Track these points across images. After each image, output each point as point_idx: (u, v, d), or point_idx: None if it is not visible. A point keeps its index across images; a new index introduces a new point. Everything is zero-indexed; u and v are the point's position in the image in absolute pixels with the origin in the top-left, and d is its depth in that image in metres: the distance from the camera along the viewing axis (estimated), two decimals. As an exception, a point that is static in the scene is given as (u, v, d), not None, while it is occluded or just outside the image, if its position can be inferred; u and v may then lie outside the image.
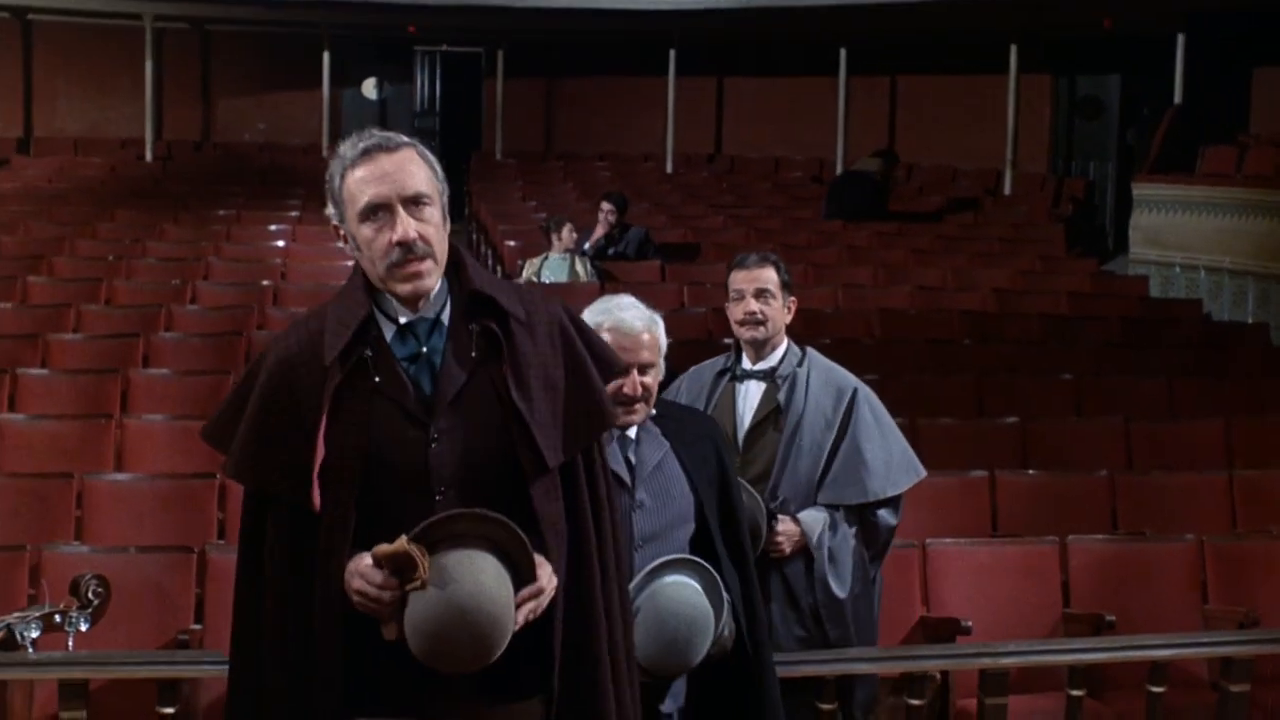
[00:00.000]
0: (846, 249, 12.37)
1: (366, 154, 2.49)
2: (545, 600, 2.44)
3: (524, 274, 10.16)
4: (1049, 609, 5.08)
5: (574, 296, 7.44)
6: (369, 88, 19.54)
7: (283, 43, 18.68)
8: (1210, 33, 13.75)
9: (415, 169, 2.49)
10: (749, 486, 3.78)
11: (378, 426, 2.45)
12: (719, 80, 19.00)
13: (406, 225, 2.45)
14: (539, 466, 2.46)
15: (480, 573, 2.35)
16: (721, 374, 4.15)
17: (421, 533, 2.35)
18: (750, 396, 4.08)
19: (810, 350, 4.16)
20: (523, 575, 2.40)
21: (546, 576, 2.44)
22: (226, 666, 2.63)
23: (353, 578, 2.38)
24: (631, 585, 3.01)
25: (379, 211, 2.47)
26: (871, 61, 17.29)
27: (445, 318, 2.52)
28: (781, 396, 4.04)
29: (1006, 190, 16.14)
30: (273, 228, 12.65)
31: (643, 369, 3.21)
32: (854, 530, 3.98)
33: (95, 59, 18.47)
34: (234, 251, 11.49)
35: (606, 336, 3.05)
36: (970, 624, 4.71)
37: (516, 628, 2.39)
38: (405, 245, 2.45)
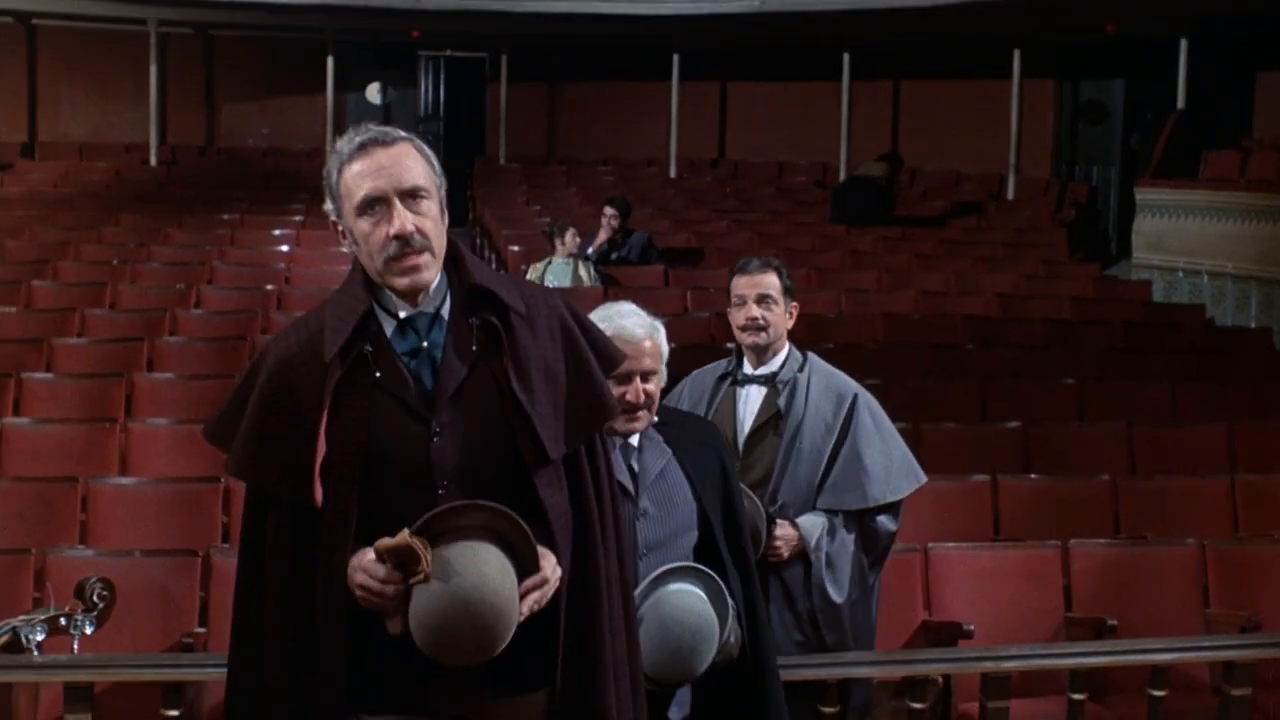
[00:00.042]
0: (850, 254, 12.38)
1: (363, 148, 2.50)
2: (550, 590, 2.45)
3: (527, 279, 10.18)
4: (1051, 613, 5.08)
5: (577, 301, 7.42)
6: (373, 92, 19.56)
7: (287, 48, 18.70)
8: (1214, 37, 13.75)
9: (412, 163, 2.50)
10: (748, 491, 3.79)
11: (379, 422, 2.45)
12: (722, 85, 19.01)
13: (404, 219, 2.46)
14: (541, 458, 2.47)
15: (483, 564, 2.35)
16: (723, 378, 4.16)
17: (423, 526, 2.36)
18: (751, 401, 4.10)
19: (811, 355, 4.17)
20: (526, 566, 2.41)
21: (550, 567, 2.44)
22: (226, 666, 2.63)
23: (355, 573, 2.39)
24: (635, 593, 3.01)
25: (376, 205, 2.47)
26: (875, 66, 17.30)
27: (445, 312, 2.52)
28: (782, 401, 4.05)
29: (1010, 195, 16.14)
30: (277, 232, 12.67)
31: (645, 376, 3.21)
32: (853, 536, 3.99)
33: (99, 64, 18.50)
34: (238, 256, 11.51)
35: (608, 343, 3.05)
36: (972, 628, 4.72)
37: (521, 618, 2.39)
38: (402, 238, 2.45)
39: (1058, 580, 5.15)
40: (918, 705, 3.94)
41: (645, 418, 3.25)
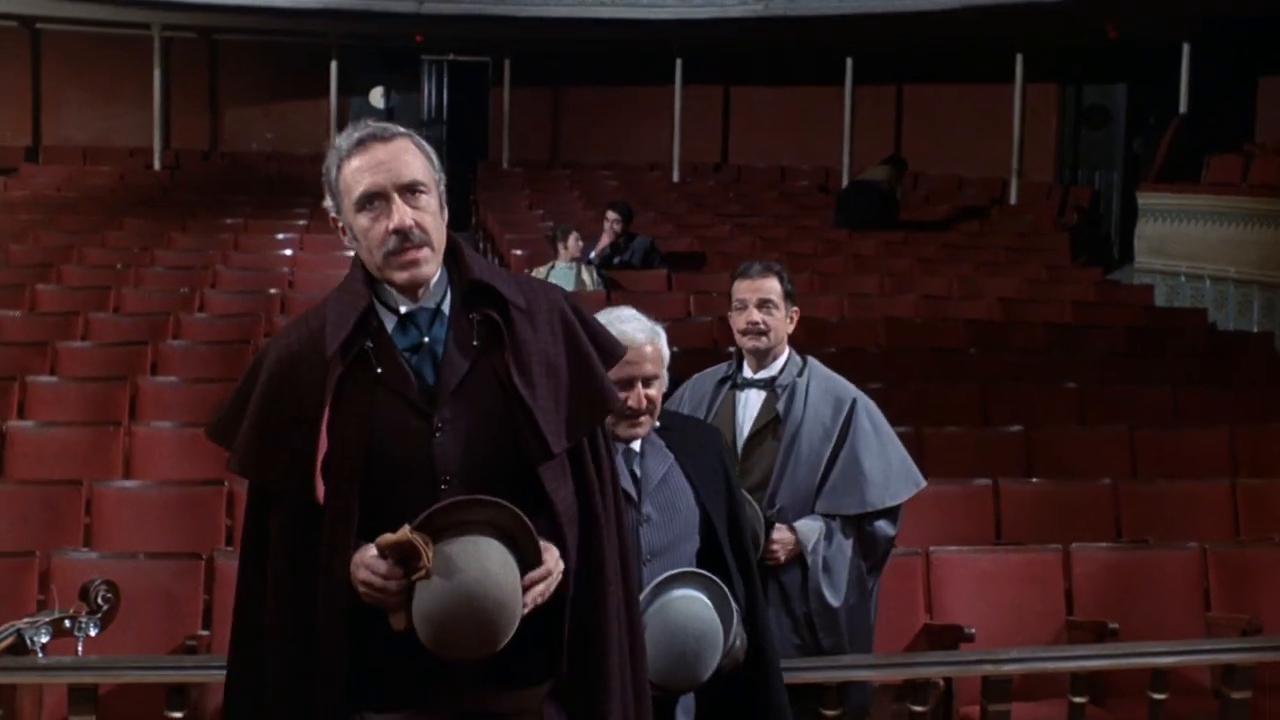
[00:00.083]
0: (852, 258, 12.39)
1: (361, 144, 2.50)
2: (553, 583, 2.45)
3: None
4: (1052, 616, 5.09)
5: (580, 305, 7.44)
6: (376, 97, 19.58)
7: (290, 52, 18.73)
8: (1216, 42, 13.76)
9: (410, 158, 2.50)
10: (746, 495, 3.80)
11: (380, 418, 2.45)
12: (725, 89, 19.03)
13: (403, 213, 2.46)
14: (544, 452, 2.47)
15: (485, 559, 2.36)
16: (723, 382, 4.17)
17: (425, 521, 2.36)
18: (750, 405, 4.11)
19: (811, 360, 4.18)
20: (528, 560, 2.41)
21: (553, 560, 2.44)
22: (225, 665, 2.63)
23: (358, 569, 2.39)
24: (639, 599, 3.01)
25: (375, 200, 2.48)
26: (878, 70, 17.31)
27: (446, 307, 2.53)
28: (780, 406, 4.06)
29: (1012, 199, 16.15)
30: (280, 236, 12.69)
31: (646, 381, 3.21)
32: (851, 541, 3.99)
33: (103, 68, 18.53)
34: (242, 260, 11.53)
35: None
36: (973, 631, 4.74)
37: (525, 612, 2.39)
38: (401, 233, 2.46)
39: (1059, 584, 5.16)
40: (919, 708, 3.95)
41: (647, 423, 3.25)
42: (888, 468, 4.03)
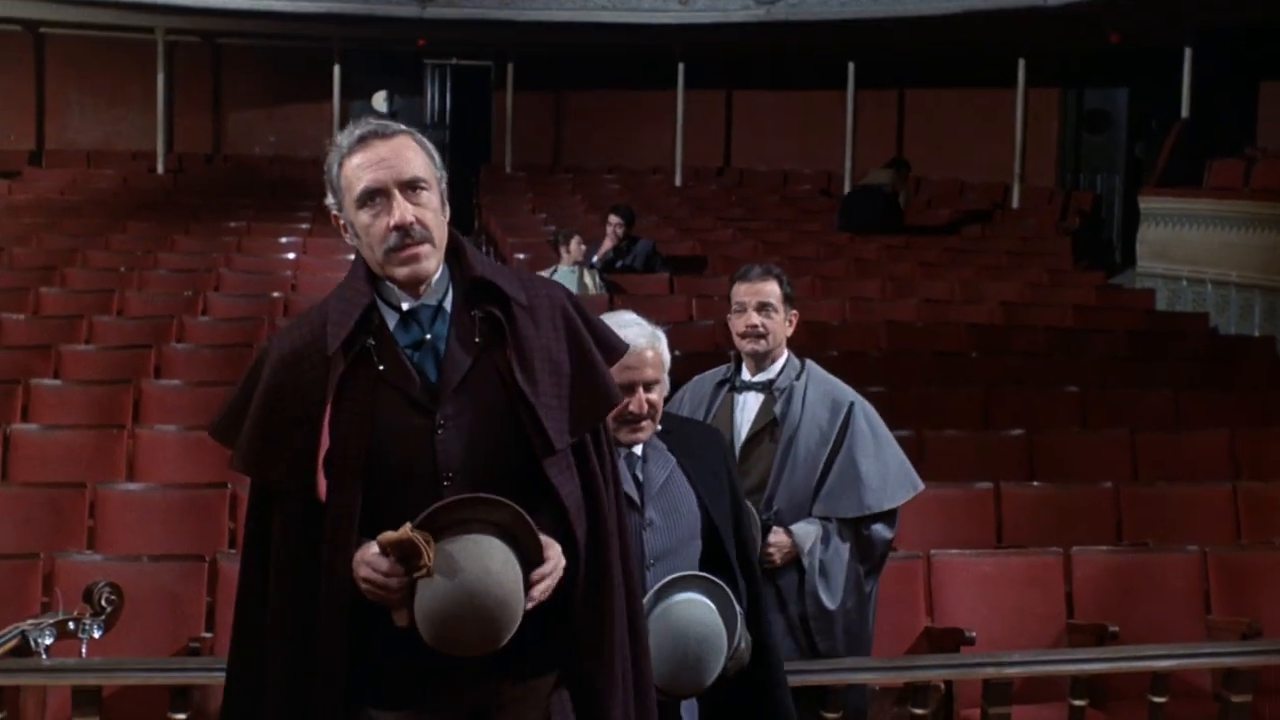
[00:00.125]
0: (854, 262, 12.41)
1: (363, 141, 2.51)
2: (554, 580, 2.44)
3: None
4: (1053, 619, 5.10)
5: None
6: (379, 100, 19.61)
7: (293, 56, 18.76)
8: (1218, 47, 13.77)
9: (412, 155, 2.51)
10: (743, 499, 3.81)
11: (383, 415, 2.45)
12: (727, 93, 19.04)
13: (403, 209, 2.47)
14: (547, 448, 2.47)
15: (487, 557, 2.36)
16: (721, 384, 4.19)
17: (426, 519, 2.36)
18: (748, 408, 4.12)
19: (810, 363, 4.19)
20: (530, 557, 2.41)
21: (556, 556, 2.45)
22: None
23: (360, 566, 2.39)
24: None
25: (376, 197, 2.48)
26: (880, 75, 17.33)
27: (448, 304, 2.53)
28: (778, 408, 4.07)
29: (1014, 203, 16.17)
30: (283, 240, 12.71)
31: (648, 386, 3.21)
32: (848, 544, 4.00)
33: (107, 72, 18.57)
34: (245, 263, 11.54)
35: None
36: (974, 634, 4.74)
37: (529, 608, 2.40)
38: (402, 229, 2.46)
39: (1060, 587, 5.17)
40: (920, 711, 3.95)
41: (649, 428, 3.25)
42: (885, 471, 4.04)
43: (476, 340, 2.50)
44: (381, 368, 2.47)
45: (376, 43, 18.58)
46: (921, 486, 4.16)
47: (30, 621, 3.53)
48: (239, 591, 2.59)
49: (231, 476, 5.48)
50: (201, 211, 14.12)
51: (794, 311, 4.21)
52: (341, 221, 2.56)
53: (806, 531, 3.97)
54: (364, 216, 2.50)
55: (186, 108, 18.55)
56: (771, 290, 4.14)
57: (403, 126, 2.54)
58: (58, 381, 7.47)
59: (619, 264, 10.97)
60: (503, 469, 2.47)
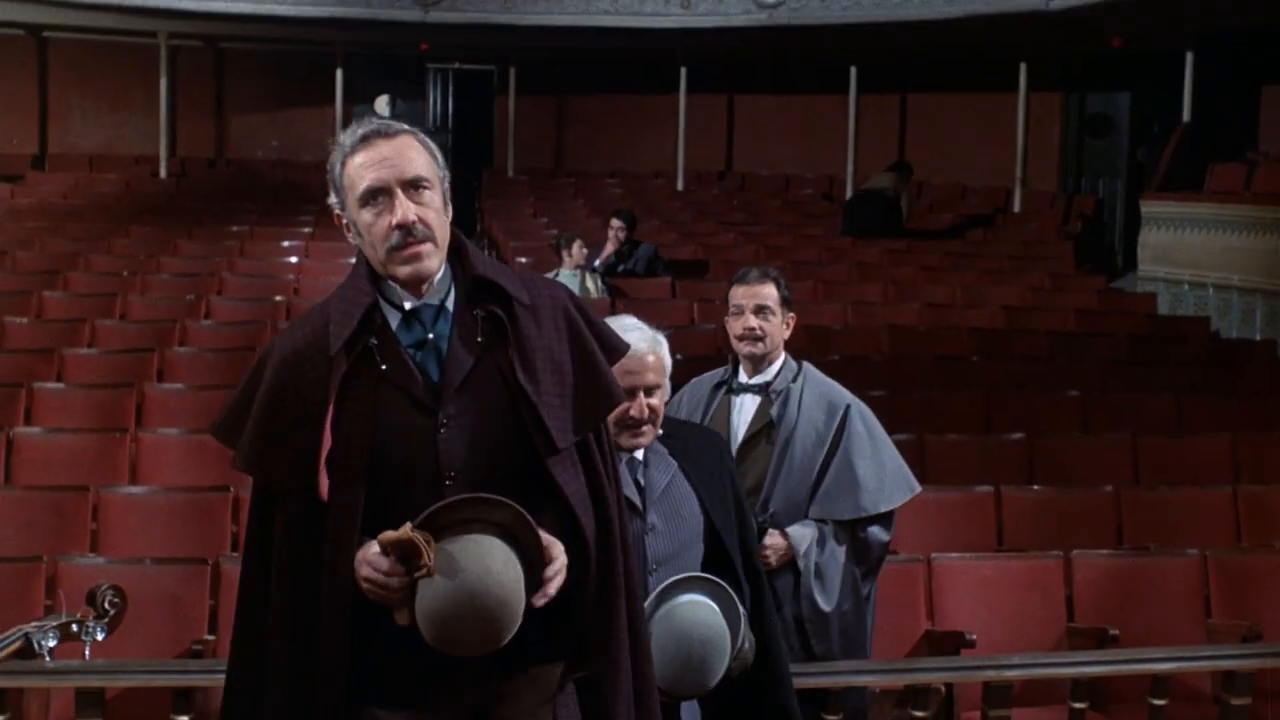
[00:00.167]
0: (856, 266, 12.42)
1: (365, 140, 2.51)
2: (562, 579, 2.44)
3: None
4: (1053, 623, 5.11)
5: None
6: (381, 105, 19.63)
7: (296, 60, 18.79)
8: (1219, 51, 13.78)
9: (414, 154, 2.51)
10: None
11: (385, 415, 2.45)
12: (729, 97, 19.07)
13: (406, 208, 2.47)
14: (550, 447, 2.48)
15: (488, 557, 2.36)
16: (718, 387, 4.20)
17: (427, 519, 2.36)
18: (745, 410, 4.13)
19: (807, 365, 4.20)
20: (531, 557, 2.41)
21: (560, 555, 2.44)
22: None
23: (361, 566, 2.39)
24: (644, 606, 2.98)
25: (378, 196, 2.48)
26: (882, 79, 17.35)
27: (450, 303, 2.53)
28: (774, 411, 4.09)
29: (1016, 208, 16.19)
30: (286, 244, 12.73)
31: (649, 391, 3.22)
32: (844, 547, 4.01)
33: (110, 76, 18.60)
34: (247, 267, 11.57)
35: (610, 358, 3.07)
36: (974, 637, 4.74)
37: (541, 604, 2.40)
38: (404, 228, 2.46)
39: (1060, 590, 5.17)
40: (920, 713, 3.96)
41: (650, 432, 3.25)
42: (881, 473, 4.05)
43: (479, 340, 2.51)
44: (384, 367, 2.47)
45: (379, 47, 18.60)
46: (918, 489, 4.17)
47: (34, 624, 3.55)
48: (240, 590, 2.59)
49: (234, 479, 5.50)
50: (204, 215, 14.15)
51: (791, 314, 4.22)
52: (344, 220, 2.57)
53: (802, 534, 3.98)
54: (366, 215, 2.50)
55: (189, 112, 18.58)
56: (769, 293, 4.15)
57: (406, 126, 2.55)
58: (61, 385, 7.48)
59: (621, 268, 10.98)
60: (505, 468, 2.47)
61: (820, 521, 4.01)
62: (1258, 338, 11.18)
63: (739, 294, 4.18)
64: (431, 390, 2.48)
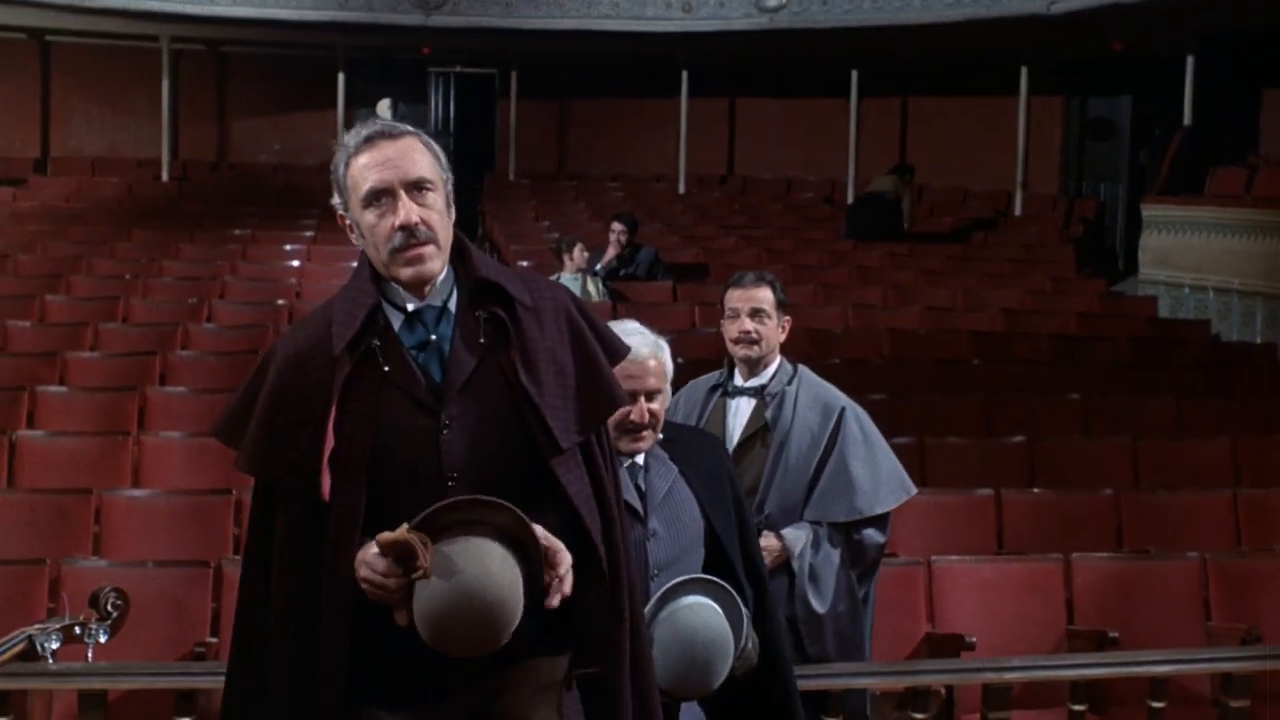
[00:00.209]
0: (857, 269, 12.43)
1: (369, 141, 2.52)
2: (569, 579, 2.44)
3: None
4: (1053, 625, 5.11)
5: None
6: (383, 108, 19.62)
7: (298, 64, 18.81)
8: (1220, 54, 13.80)
9: (418, 156, 2.52)
10: None
11: (387, 416, 2.46)
12: (731, 101, 19.08)
13: (409, 210, 2.47)
14: (554, 448, 2.48)
15: (485, 558, 2.37)
16: (714, 389, 4.21)
17: (425, 520, 2.37)
18: (740, 413, 4.14)
19: (802, 368, 4.21)
20: (529, 558, 2.42)
21: (565, 556, 2.44)
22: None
23: (360, 566, 2.40)
24: (646, 609, 3.01)
25: (382, 197, 2.49)
26: (883, 83, 17.37)
27: (452, 305, 2.54)
28: (769, 414, 4.10)
29: (1017, 211, 16.20)
30: (288, 247, 12.74)
31: (649, 395, 3.21)
32: (839, 549, 4.01)
33: (112, 80, 18.62)
34: (250, 271, 11.58)
35: (612, 362, 3.08)
36: (974, 640, 4.75)
37: (555, 604, 2.40)
38: (407, 229, 2.47)
39: (1060, 593, 5.18)
40: (920, 716, 3.96)
41: (650, 437, 3.25)
42: (876, 475, 4.06)
43: (481, 341, 2.51)
44: (386, 368, 2.48)
45: (381, 51, 18.62)
46: (914, 491, 4.17)
47: (36, 626, 3.57)
48: (240, 590, 2.60)
49: (236, 482, 5.51)
50: (206, 219, 14.16)
51: (787, 318, 4.23)
52: (347, 221, 2.57)
53: (796, 536, 3.99)
54: (369, 216, 2.51)
55: (191, 116, 18.60)
56: (765, 296, 4.16)
57: (410, 128, 2.56)
58: (63, 388, 7.49)
59: (622, 272, 10.98)
60: (507, 470, 2.47)
61: (815, 524, 4.02)
62: (1258, 341, 11.19)
63: (734, 297, 4.19)
64: (434, 391, 2.48)
